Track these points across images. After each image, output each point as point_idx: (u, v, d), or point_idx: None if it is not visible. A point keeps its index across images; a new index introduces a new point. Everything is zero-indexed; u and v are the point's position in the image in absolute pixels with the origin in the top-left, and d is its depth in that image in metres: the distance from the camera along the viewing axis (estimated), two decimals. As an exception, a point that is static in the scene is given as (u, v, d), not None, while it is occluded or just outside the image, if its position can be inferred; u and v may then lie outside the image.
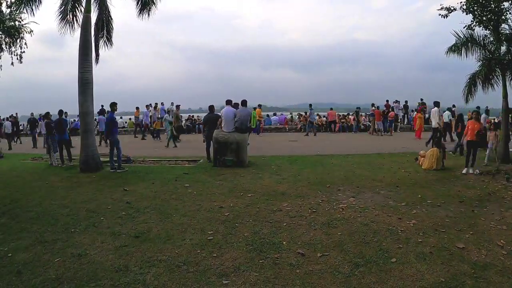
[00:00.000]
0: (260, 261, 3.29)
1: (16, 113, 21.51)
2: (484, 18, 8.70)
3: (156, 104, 19.26)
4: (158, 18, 9.94)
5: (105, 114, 11.34)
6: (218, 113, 9.37)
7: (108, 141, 8.65)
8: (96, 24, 9.11)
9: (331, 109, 19.73)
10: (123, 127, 20.91)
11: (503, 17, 8.56)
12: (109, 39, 9.61)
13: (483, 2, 8.47)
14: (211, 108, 9.45)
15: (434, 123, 11.79)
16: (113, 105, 8.54)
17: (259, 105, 19.22)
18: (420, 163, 8.10)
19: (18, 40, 11.40)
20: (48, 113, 10.18)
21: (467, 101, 9.54)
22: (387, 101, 18.34)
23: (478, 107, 12.54)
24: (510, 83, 9.03)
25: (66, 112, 10.39)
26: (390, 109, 17.53)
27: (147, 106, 17.58)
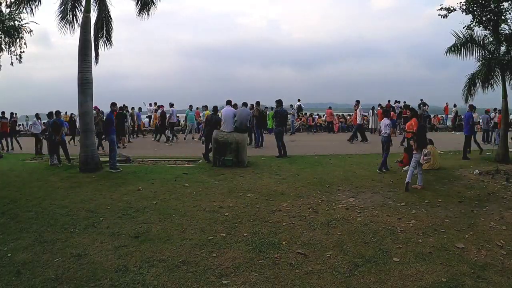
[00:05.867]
0: (260, 261, 3.29)
1: (16, 113, 21.48)
2: (484, 18, 8.70)
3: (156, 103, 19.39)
4: (157, 14, 9.99)
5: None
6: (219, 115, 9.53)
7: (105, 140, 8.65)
8: (95, 24, 9.12)
9: (330, 108, 19.71)
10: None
11: (502, 17, 8.57)
12: (108, 39, 9.61)
13: (483, 2, 8.48)
14: (215, 109, 9.71)
15: None
16: (113, 106, 8.87)
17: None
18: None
19: (17, 40, 11.39)
20: (51, 112, 10.15)
21: (466, 101, 9.58)
22: (389, 101, 18.36)
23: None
24: (509, 83, 9.05)
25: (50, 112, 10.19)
26: (391, 109, 17.51)
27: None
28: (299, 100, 20.24)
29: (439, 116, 21.47)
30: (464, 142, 9.31)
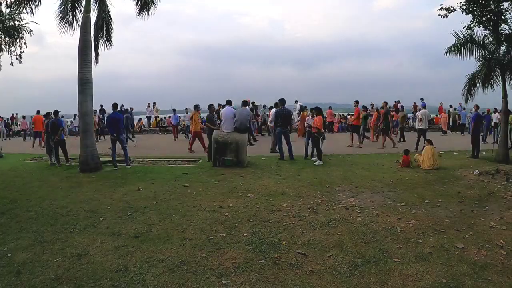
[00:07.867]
0: (260, 261, 3.29)
1: (16, 113, 21.48)
2: (484, 19, 8.71)
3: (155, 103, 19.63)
4: (157, 14, 10.06)
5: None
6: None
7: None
8: (95, 24, 9.12)
9: (330, 108, 19.69)
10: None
11: (502, 17, 8.58)
12: (108, 39, 9.63)
13: (483, 2, 8.48)
14: (209, 107, 10.06)
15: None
16: (115, 106, 9.15)
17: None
18: (419, 163, 8.09)
19: (17, 40, 11.41)
20: (49, 113, 10.18)
21: (466, 101, 9.60)
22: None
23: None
24: (509, 83, 9.06)
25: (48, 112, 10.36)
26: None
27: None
28: (296, 102, 20.24)
29: (438, 116, 21.44)
30: (471, 141, 9.35)
